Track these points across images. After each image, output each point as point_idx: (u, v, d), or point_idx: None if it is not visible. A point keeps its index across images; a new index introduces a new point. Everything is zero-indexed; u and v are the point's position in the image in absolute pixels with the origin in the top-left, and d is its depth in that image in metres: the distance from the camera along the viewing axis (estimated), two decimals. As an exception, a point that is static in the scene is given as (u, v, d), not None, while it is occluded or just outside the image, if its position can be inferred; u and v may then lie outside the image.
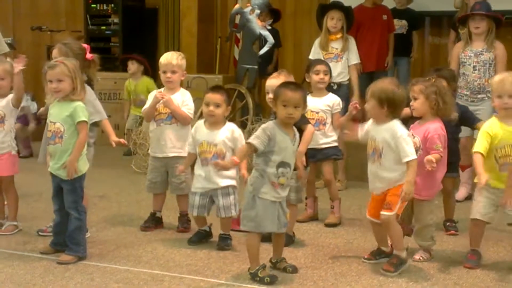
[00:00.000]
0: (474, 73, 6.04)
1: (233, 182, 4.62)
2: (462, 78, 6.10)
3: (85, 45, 5.01)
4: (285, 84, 4.11)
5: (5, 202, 5.17)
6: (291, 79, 4.72)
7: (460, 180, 6.20)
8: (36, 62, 9.51)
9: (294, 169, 4.17)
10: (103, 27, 10.23)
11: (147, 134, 6.85)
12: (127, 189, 6.53)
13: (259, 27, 7.35)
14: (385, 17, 7.66)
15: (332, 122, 5.36)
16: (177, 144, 5.09)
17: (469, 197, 6.21)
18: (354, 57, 6.64)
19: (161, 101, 5.01)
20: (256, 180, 3.99)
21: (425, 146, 4.37)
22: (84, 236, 4.50)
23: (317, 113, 5.35)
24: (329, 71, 5.44)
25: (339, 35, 6.56)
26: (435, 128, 4.38)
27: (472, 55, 6.04)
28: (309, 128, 4.58)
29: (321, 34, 6.61)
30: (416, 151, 4.25)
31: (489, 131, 4.30)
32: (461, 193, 6.23)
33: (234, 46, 9.30)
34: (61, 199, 4.43)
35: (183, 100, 5.08)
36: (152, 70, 8.86)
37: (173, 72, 5.06)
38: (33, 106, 8.53)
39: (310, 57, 6.63)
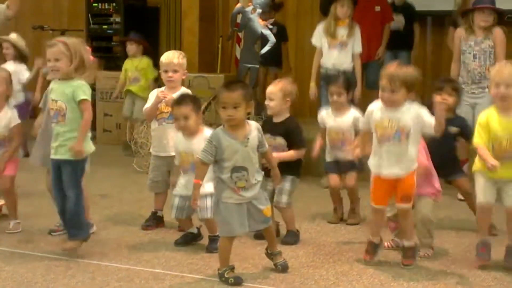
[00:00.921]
0: (474, 61, 6.05)
1: (211, 190, 4.47)
2: (462, 67, 6.11)
3: (88, 48, 5.03)
4: (224, 84, 4.10)
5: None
6: (291, 87, 4.71)
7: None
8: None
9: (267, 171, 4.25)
10: (105, 26, 10.22)
11: (148, 133, 6.85)
12: (129, 188, 6.54)
13: (261, 26, 7.33)
14: (378, 8, 7.68)
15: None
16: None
17: None
18: (358, 45, 6.70)
19: (163, 100, 5.01)
20: (217, 186, 4.04)
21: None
22: (84, 217, 4.47)
23: (343, 134, 5.33)
24: (343, 90, 5.34)
25: (346, 21, 6.63)
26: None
27: (473, 43, 6.06)
28: (300, 152, 4.53)
29: (327, 21, 6.65)
30: None
31: (485, 123, 4.28)
32: None
33: (236, 45, 9.29)
34: (61, 184, 4.41)
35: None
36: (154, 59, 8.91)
37: (174, 71, 5.07)
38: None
39: (313, 41, 6.69)
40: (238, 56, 8.59)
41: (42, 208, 5.67)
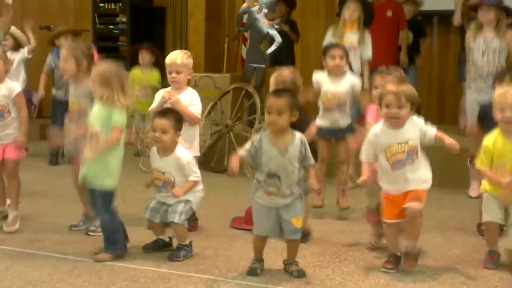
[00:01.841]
0: (483, 58, 6.04)
1: (187, 197, 4.50)
2: (471, 64, 6.10)
3: (94, 49, 5.07)
4: (272, 91, 4.15)
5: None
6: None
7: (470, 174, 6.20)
8: (44, 61, 9.55)
9: None
10: (111, 26, 10.25)
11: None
12: (135, 188, 6.53)
13: (267, 26, 7.34)
14: (389, 13, 7.66)
15: (356, 99, 5.44)
16: (184, 145, 5.05)
17: None
18: (368, 52, 6.68)
19: (169, 101, 5.01)
20: (253, 185, 4.09)
21: None
22: (120, 234, 4.46)
23: (339, 97, 5.42)
24: (345, 55, 5.45)
25: (354, 26, 6.61)
26: None
27: (482, 41, 6.05)
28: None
29: (335, 25, 6.70)
30: None
31: (490, 147, 4.24)
32: (474, 188, 6.08)
33: (242, 45, 9.30)
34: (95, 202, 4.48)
35: (190, 100, 5.06)
36: (161, 65, 8.89)
37: (178, 72, 5.03)
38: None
39: (325, 43, 6.65)
40: (244, 56, 8.59)
41: (47, 208, 5.69)
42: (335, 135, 5.48)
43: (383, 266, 4.27)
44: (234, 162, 4.05)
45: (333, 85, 5.42)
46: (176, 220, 4.43)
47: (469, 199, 6.15)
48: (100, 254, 4.41)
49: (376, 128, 4.22)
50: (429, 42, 9.11)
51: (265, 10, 7.38)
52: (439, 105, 8.89)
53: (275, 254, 4.33)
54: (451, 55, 9.05)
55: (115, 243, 4.43)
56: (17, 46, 8.18)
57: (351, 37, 6.62)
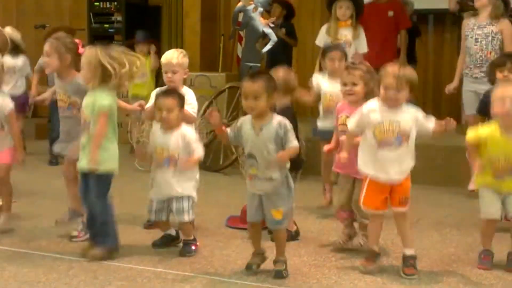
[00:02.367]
0: (476, 45, 6.03)
1: (189, 192, 4.53)
2: (466, 52, 6.11)
3: (77, 40, 5.03)
4: (248, 75, 4.15)
5: None
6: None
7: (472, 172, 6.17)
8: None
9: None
10: (106, 25, 10.22)
11: (150, 132, 6.84)
12: (130, 187, 6.53)
13: (262, 25, 7.33)
14: (391, 13, 7.65)
15: None
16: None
17: None
18: (363, 46, 6.68)
19: None
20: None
21: None
22: (112, 226, 4.44)
23: (339, 99, 5.36)
24: (344, 56, 5.47)
25: (348, 23, 6.61)
26: None
27: (475, 28, 6.04)
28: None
29: (329, 21, 6.65)
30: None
31: (482, 134, 4.24)
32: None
33: (237, 44, 9.30)
34: (88, 193, 4.42)
35: (186, 99, 5.05)
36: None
37: (174, 72, 5.03)
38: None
39: (317, 42, 6.67)
40: (240, 55, 8.59)
41: (44, 208, 5.68)
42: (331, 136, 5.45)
43: (362, 263, 4.23)
44: (216, 117, 4.09)
45: (333, 86, 5.40)
46: (186, 219, 4.49)
47: (466, 198, 6.14)
48: (91, 251, 4.38)
49: (371, 104, 4.16)
50: (424, 41, 9.11)
51: (260, 9, 7.37)
52: (435, 103, 8.89)
53: (271, 252, 4.32)
54: (447, 54, 9.05)
55: (106, 235, 4.40)
56: (15, 50, 8.15)
57: (345, 32, 6.62)
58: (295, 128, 4.45)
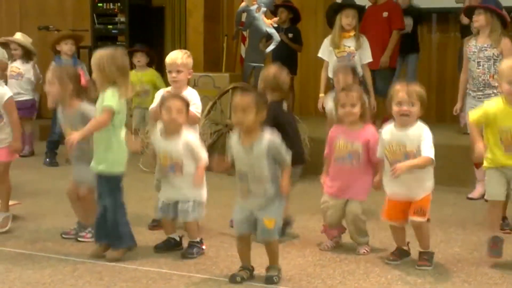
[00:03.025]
0: (478, 68, 6.00)
1: (195, 195, 4.52)
2: (469, 74, 6.09)
3: (81, 71, 5.01)
4: (239, 90, 4.23)
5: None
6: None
7: (476, 178, 6.24)
8: (43, 61, 9.54)
9: None
10: (110, 26, 10.24)
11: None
12: (135, 188, 6.53)
13: (266, 25, 7.33)
14: (385, 14, 7.67)
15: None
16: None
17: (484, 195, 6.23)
18: (367, 56, 6.58)
19: None
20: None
21: (367, 153, 4.50)
22: (124, 227, 4.43)
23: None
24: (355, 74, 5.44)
25: (352, 33, 6.52)
26: (374, 133, 4.53)
27: (476, 50, 6.02)
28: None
29: (333, 32, 6.55)
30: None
31: (490, 111, 4.30)
32: (477, 191, 6.17)
33: (241, 44, 9.29)
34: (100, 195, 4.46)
35: (190, 99, 5.06)
36: (158, 66, 8.86)
37: (178, 71, 5.04)
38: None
39: (320, 54, 6.59)
40: (243, 55, 8.59)
41: (48, 208, 5.69)
42: None
43: (387, 257, 4.40)
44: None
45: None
46: (188, 219, 4.49)
47: (477, 200, 6.16)
48: (109, 254, 4.39)
49: (387, 127, 4.31)
50: (428, 40, 9.11)
51: (263, 9, 7.37)
52: (439, 102, 8.88)
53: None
54: (450, 53, 9.04)
55: (121, 236, 4.40)
56: (26, 56, 8.20)
57: (348, 44, 6.49)
58: (283, 125, 4.53)
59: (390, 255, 4.42)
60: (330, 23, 6.66)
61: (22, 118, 7.67)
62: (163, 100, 4.54)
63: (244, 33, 8.56)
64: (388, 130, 4.29)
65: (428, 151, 4.11)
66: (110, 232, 4.41)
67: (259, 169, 3.95)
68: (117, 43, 10.34)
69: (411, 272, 4.20)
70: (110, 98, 4.31)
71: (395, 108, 4.19)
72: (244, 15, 7.64)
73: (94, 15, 10.24)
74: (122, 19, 10.16)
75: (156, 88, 8.21)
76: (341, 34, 6.49)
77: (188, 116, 4.53)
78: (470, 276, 4.16)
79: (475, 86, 6.04)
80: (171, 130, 4.49)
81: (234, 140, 4.02)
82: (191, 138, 4.51)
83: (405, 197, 4.24)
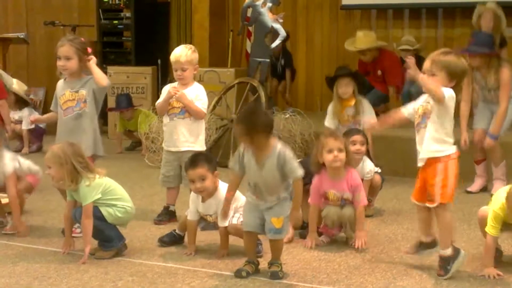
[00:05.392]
0: (490, 92, 6.16)
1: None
2: (476, 97, 6.29)
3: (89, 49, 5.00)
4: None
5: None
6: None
7: (476, 172, 6.35)
8: (49, 57, 9.57)
9: None
10: (115, 22, 10.25)
11: (160, 128, 6.86)
12: (140, 183, 6.55)
13: (271, 20, 7.33)
14: (379, 72, 7.81)
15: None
16: (190, 139, 5.10)
17: (484, 189, 6.25)
18: (370, 116, 6.08)
19: (174, 96, 5.01)
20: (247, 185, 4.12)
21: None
22: (109, 231, 4.40)
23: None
24: (365, 141, 5.33)
25: (352, 102, 6.22)
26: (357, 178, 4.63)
27: (483, 83, 6.15)
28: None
29: (333, 103, 6.33)
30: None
31: (501, 213, 4.06)
32: (476, 184, 6.32)
33: (246, 39, 9.30)
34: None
35: (196, 95, 5.08)
36: (163, 62, 8.90)
37: (183, 69, 5.04)
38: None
39: (326, 124, 6.34)
40: (249, 50, 8.59)
41: (54, 204, 5.69)
42: None
43: (407, 247, 4.37)
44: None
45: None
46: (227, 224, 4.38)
47: (476, 193, 6.18)
48: (98, 253, 4.40)
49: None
50: (433, 35, 9.09)
51: (269, 4, 7.37)
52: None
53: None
54: (456, 47, 9.02)
55: (110, 239, 4.40)
56: (19, 103, 8.34)
57: (348, 113, 6.24)
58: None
59: (409, 247, 4.32)
60: (331, 89, 6.43)
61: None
62: (185, 169, 4.45)
63: (250, 28, 8.56)
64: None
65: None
66: (99, 237, 4.42)
67: (272, 182, 3.96)
68: (123, 38, 10.37)
69: (417, 267, 4.20)
70: (85, 192, 4.28)
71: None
72: (249, 11, 7.64)
73: (100, 10, 10.25)
74: (128, 14, 10.17)
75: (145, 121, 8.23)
76: (341, 103, 6.25)
77: (215, 174, 4.37)
78: (475, 271, 4.15)
79: (484, 102, 6.22)
80: (205, 196, 4.42)
81: (247, 154, 4.00)
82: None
83: (421, 160, 4.04)
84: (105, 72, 5.15)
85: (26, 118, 8.26)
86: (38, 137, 8.53)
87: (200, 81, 6.72)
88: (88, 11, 10.65)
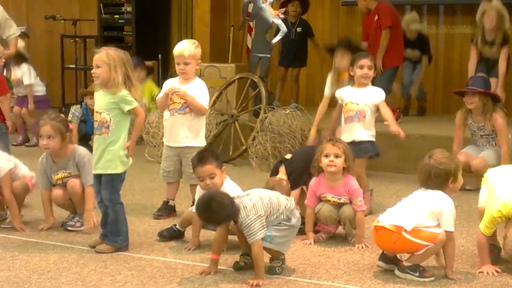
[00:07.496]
0: (482, 138, 6.23)
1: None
2: (472, 139, 6.33)
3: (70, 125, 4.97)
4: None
5: None
6: None
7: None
8: (50, 51, 9.58)
9: None
10: (116, 16, 10.25)
11: (160, 123, 6.86)
12: (140, 178, 6.56)
13: (272, 15, 7.33)
14: (376, 17, 7.73)
15: (380, 111, 5.39)
16: (190, 135, 5.10)
17: None
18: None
19: (177, 94, 4.99)
20: None
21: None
22: (123, 226, 4.42)
23: (357, 104, 5.34)
24: (373, 66, 5.39)
25: (347, 74, 5.98)
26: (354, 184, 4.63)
27: (476, 129, 6.20)
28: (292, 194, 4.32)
29: (331, 72, 6.35)
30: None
31: (498, 215, 4.09)
32: (474, 182, 6.26)
33: (247, 34, 9.29)
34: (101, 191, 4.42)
35: (198, 91, 5.06)
36: (164, 57, 8.88)
37: (186, 63, 5.03)
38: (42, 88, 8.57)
39: (326, 91, 6.29)
40: (250, 46, 8.59)
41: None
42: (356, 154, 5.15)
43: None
44: None
45: (354, 94, 5.41)
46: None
47: (474, 190, 6.17)
48: (100, 245, 4.40)
49: None
50: (435, 32, 9.09)
51: (270, 0, 7.37)
52: (445, 93, 8.86)
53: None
54: (457, 44, 9.03)
55: (118, 234, 4.40)
56: (18, 59, 8.31)
57: (345, 83, 6.01)
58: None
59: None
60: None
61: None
62: (192, 167, 4.37)
63: (251, 23, 8.56)
64: None
65: None
66: (110, 229, 4.40)
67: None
68: (124, 33, 10.36)
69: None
70: (131, 97, 4.30)
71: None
72: (250, 6, 7.64)
73: (101, 4, 10.24)
74: (129, 8, 10.17)
75: (152, 100, 8.18)
76: (338, 74, 6.27)
77: (223, 169, 4.33)
78: (474, 268, 4.16)
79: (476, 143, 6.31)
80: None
81: None
82: (231, 189, 4.29)
83: None
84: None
85: (26, 74, 8.24)
86: (23, 129, 8.49)
87: (200, 76, 6.73)
88: (89, 6, 10.65)
